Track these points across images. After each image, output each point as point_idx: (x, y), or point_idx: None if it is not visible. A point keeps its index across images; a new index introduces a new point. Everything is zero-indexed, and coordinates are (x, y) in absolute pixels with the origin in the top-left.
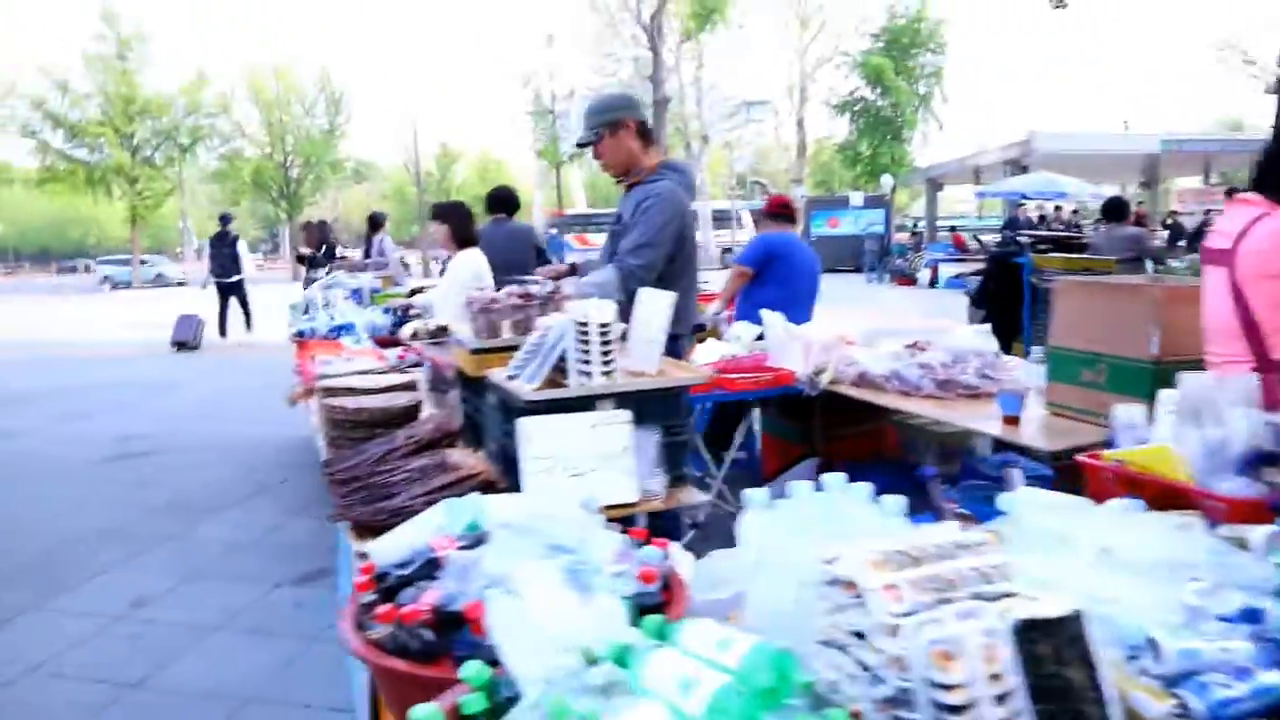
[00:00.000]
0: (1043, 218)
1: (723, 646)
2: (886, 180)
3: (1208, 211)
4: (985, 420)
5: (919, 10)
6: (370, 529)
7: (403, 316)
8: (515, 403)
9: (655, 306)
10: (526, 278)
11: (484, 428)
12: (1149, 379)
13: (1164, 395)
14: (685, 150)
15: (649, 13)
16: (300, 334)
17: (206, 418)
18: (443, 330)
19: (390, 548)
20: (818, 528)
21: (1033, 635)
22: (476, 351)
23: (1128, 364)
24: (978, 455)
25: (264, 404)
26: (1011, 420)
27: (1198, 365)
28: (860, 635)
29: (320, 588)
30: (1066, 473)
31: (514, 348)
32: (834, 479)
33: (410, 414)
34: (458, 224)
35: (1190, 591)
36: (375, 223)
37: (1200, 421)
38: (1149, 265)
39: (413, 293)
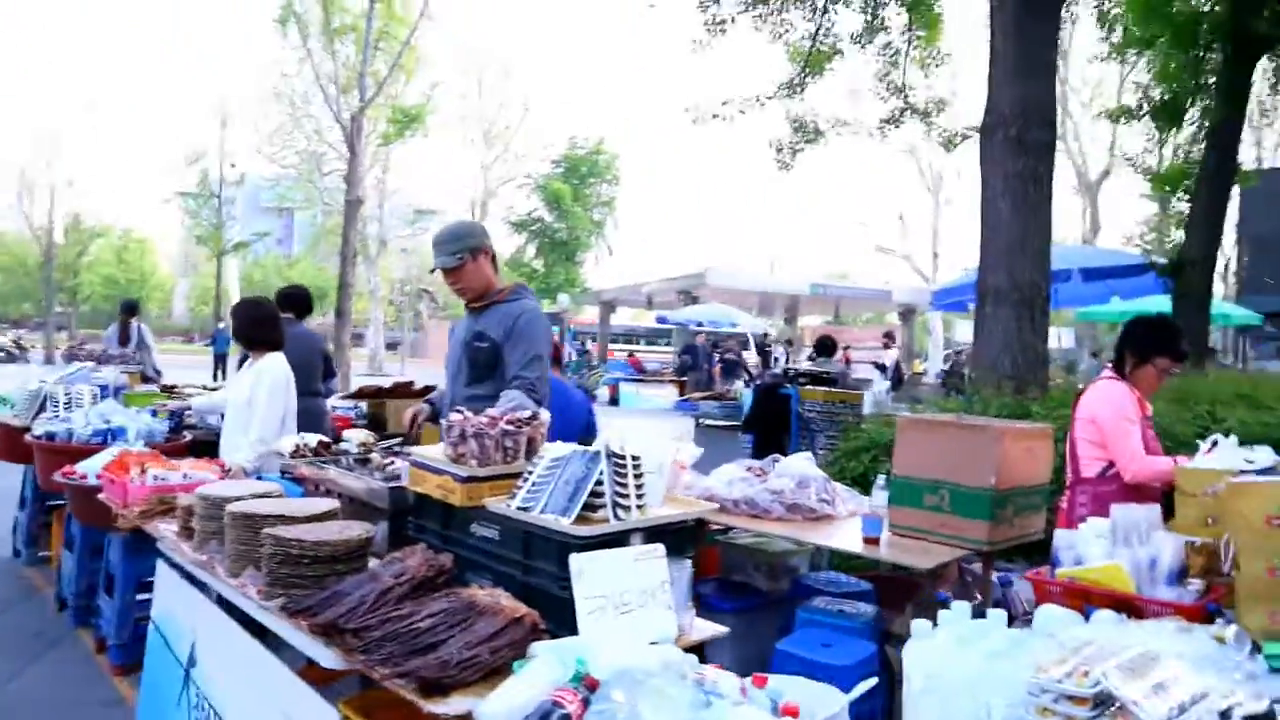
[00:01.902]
0: (715, 344)
1: None
2: (563, 299)
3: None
4: (842, 540)
5: (597, 144)
6: (433, 685)
7: (179, 421)
8: (555, 538)
9: (660, 443)
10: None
11: (485, 563)
12: (988, 503)
13: (1092, 522)
14: (363, 253)
15: (348, 112)
16: (50, 435)
17: None
18: (326, 447)
19: (508, 705)
20: (978, 652)
21: None
22: (469, 480)
23: (969, 491)
24: (802, 574)
25: None
26: (872, 541)
27: (1024, 490)
28: None
29: None
30: (882, 583)
31: (509, 476)
32: (959, 609)
33: (365, 545)
34: (266, 322)
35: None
36: (130, 309)
37: (1130, 543)
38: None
39: (167, 389)
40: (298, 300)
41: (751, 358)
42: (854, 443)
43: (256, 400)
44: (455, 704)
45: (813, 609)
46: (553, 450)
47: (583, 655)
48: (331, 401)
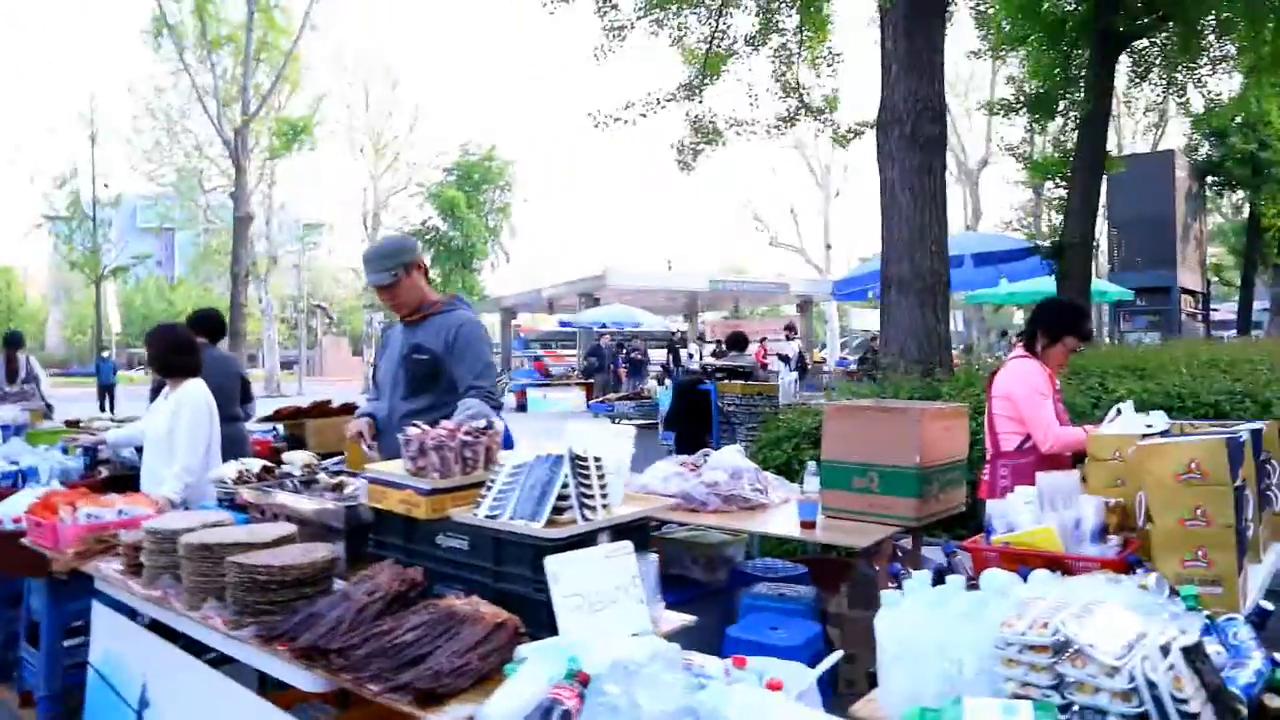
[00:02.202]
0: (621, 344)
1: (1008, 711)
2: None
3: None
4: (779, 526)
5: (489, 150)
6: (428, 695)
7: (93, 457)
8: (528, 542)
9: (617, 443)
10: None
11: (454, 573)
12: (915, 481)
13: (1020, 490)
14: (253, 272)
15: (232, 126)
16: None
17: None
18: (269, 471)
19: (508, 707)
20: (945, 616)
21: (1192, 657)
22: (434, 492)
23: (896, 471)
24: (738, 563)
25: None
26: (809, 525)
27: (946, 467)
28: (1056, 686)
29: None
30: (815, 566)
31: (471, 486)
32: (920, 578)
33: (331, 567)
34: (184, 348)
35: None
36: (15, 341)
37: (1055, 507)
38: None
39: (71, 424)
40: (210, 323)
41: (658, 356)
42: (774, 433)
43: (178, 430)
44: (453, 712)
45: (756, 595)
46: (513, 457)
47: (573, 653)
48: (248, 425)
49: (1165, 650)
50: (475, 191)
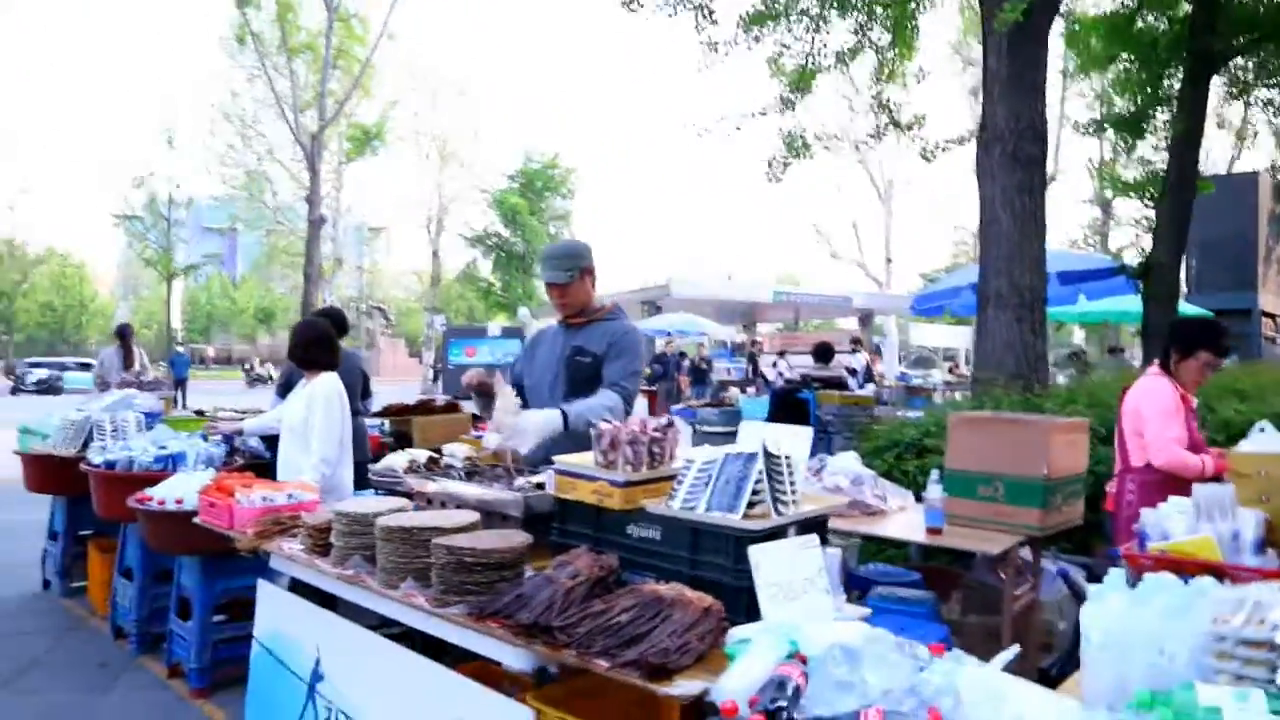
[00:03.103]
0: (683, 354)
1: (1241, 697)
2: (524, 313)
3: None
4: (903, 531)
5: (553, 158)
6: (659, 670)
7: (231, 445)
8: (730, 533)
9: (796, 443)
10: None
11: (645, 562)
12: (1041, 492)
13: (1173, 501)
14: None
15: (308, 131)
16: (110, 464)
17: None
18: (434, 463)
19: (743, 682)
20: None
21: None
22: (629, 485)
23: (1023, 481)
24: (852, 567)
25: None
26: (935, 531)
27: (1069, 479)
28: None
29: None
30: (927, 573)
31: (662, 479)
32: (1116, 575)
33: (526, 552)
34: (322, 343)
35: None
36: (126, 332)
37: (1212, 518)
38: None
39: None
40: (336, 320)
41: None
42: (874, 442)
43: (314, 421)
44: (684, 686)
45: (881, 597)
46: (701, 454)
47: (792, 636)
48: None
49: None
50: (538, 198)
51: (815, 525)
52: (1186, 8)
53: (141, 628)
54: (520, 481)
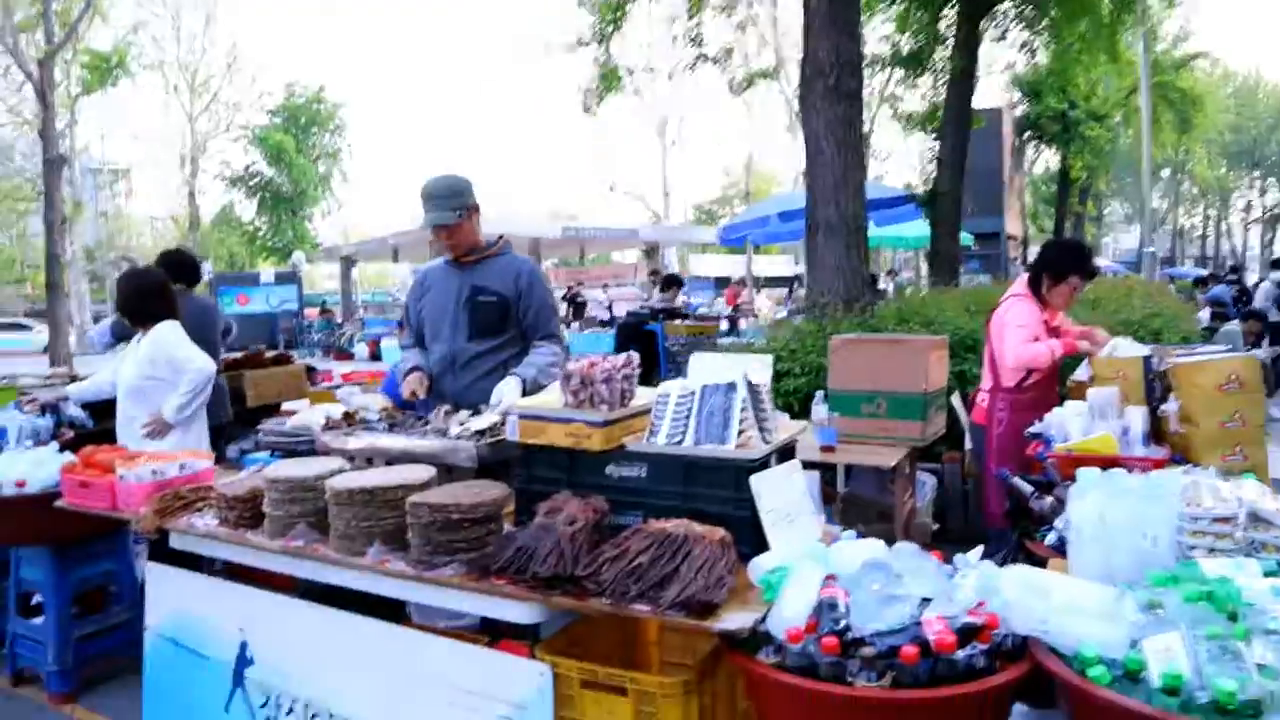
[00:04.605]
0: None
1: (1239, 566)
2: (298, 257)
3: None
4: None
5: (317, 92)
6: (706, 607)
7: (57, 413)
8: (728, 465)
9: (756, 371)
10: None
11: (632, 500)
12: (920, 406)
13: (1069, 405)
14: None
15: (37, 56)
16: None
17: None
18: (349, 417)
19: (795, 610)
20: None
21: None
22: (608, 424)
23: (904, 397)
24: None
25: None
26: (829, 449)
27: (938, 393)
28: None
29: None
30: None
31: (636, 416)
32: (1088, 473)
33: (506, 503)
34: (154, 293)
35: None
36: None
37: (1105, 416)
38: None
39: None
40: (187, 268)
41: None
42: None
43: (174, 366)
44: (735, 619)
45: None
46: (673, 387)
47: (819, 558)
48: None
49: None
50: (304, 135)
51: (788, 451)
52: None
53: None
54: (454, 429)
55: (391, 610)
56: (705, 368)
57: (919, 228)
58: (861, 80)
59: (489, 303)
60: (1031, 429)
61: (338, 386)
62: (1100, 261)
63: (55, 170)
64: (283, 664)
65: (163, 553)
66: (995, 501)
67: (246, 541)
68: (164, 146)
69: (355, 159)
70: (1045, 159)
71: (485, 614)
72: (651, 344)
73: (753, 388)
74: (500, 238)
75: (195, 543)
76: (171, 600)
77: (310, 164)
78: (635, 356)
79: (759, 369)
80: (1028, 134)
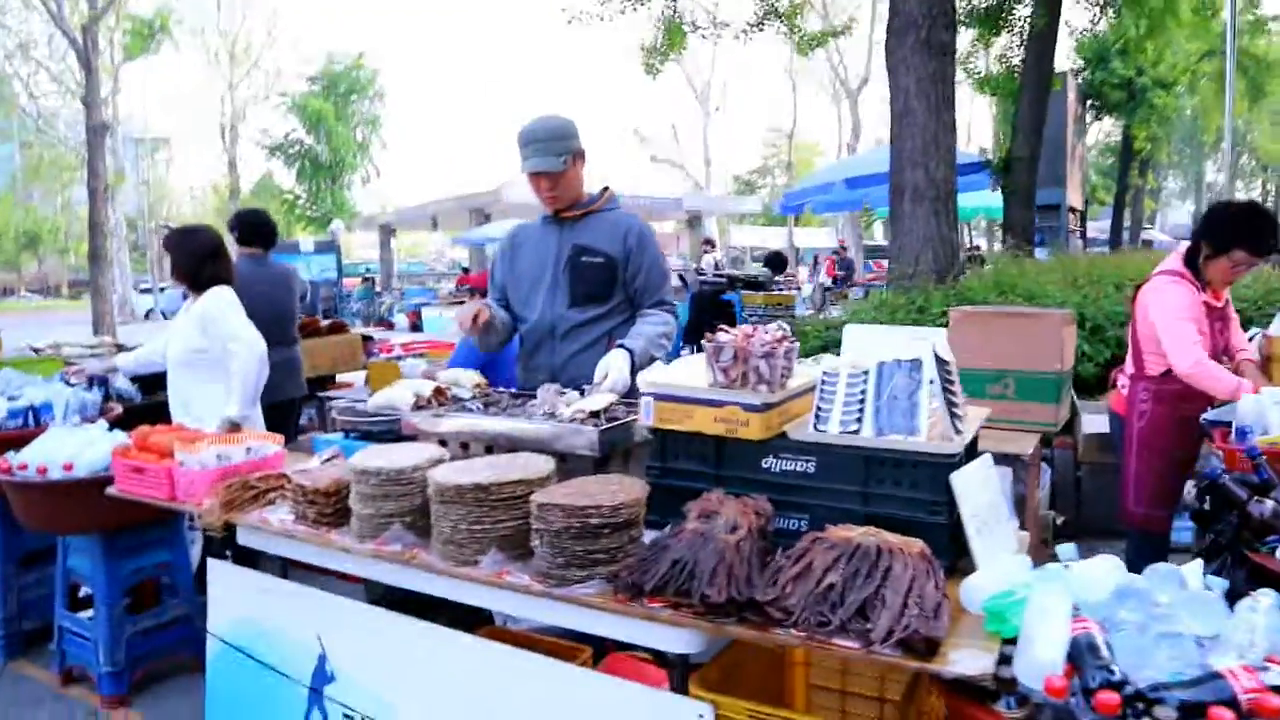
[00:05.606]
0: None
1: None
2: (337, 226)
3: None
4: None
5: (357, 59)
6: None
7: (105, 385)
8: (925, 460)
9: (922, 346)
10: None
11: (793, 500)
12: (1055, 387)
13: (1267, 391)
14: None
15: (80, 22)
16: None
17: None
18: (440, 394)
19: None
20: None
21: None
22: (768, 407)
23: (1036, 377)
24: None
25: None
26: None
27: (1068, 373)
28: None
29: None
30: None
31: (797, 398)
32: None
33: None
34: (209, 255)
35: None
36: None
37: None
38: None
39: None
40: (263, 229)
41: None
42: (809, 343)
43: (216, 341)
44: (963, 661)
45: None
46: (840, 364)
47: (1058, 581)
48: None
49: None
50: (343, 102)
51: (974, 443)
52: None
53: (10, 626)
54: (564, 411)
55: (472, 610)
56: (862, 341)
57: (978, 198)
58: (955, 33)
59: (594, 264)
60: (1208, 415)
61: (399, 358)
62: (1153, 235)
63: (98, 137)
64: (370, 684)
65: (221, 544)
66: (1136, 499)
67: (331, 543)
68: (204, 115)
69: (392, 127)
70: (1100, 129)
71: (633, 640)
72: (730, 316)
73: (943, 365)
74: (606, 189)
75: (268, 540)
76: (237, 603)
77: (349, 131)
78: (787, 328)
79: (934, 343)
80: (1090, 102)
